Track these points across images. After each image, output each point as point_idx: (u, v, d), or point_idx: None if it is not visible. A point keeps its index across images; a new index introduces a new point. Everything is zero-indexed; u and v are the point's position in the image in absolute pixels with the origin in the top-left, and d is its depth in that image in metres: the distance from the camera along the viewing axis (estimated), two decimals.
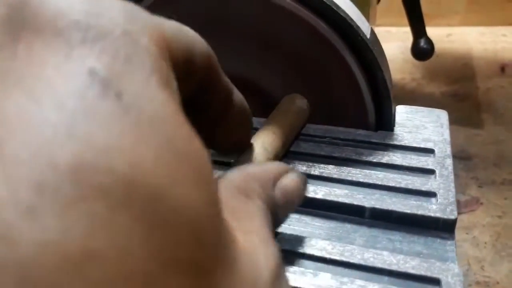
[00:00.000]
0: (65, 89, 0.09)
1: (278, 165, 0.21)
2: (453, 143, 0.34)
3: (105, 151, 0.09)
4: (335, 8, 0.31)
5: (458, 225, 0.27)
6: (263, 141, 0.29)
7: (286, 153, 0.32)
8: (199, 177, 0.10)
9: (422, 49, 0.69)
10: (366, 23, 0.33)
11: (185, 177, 0.10)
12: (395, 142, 0.33)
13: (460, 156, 0.78)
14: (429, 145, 0.33)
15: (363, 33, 0.32)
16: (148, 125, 0.09)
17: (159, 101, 0.10)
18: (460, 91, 0.98)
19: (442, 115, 0.36)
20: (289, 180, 0.21)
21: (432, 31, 0.79)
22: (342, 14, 0.32)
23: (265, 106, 0.34)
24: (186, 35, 0.14)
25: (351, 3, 0.33)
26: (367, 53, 0.32)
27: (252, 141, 0.28)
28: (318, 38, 0.33)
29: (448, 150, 0.32)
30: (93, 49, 0.10)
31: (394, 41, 1.15)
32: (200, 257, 0.10)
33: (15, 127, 0.08)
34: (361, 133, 0.34)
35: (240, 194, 0.17)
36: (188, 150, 0.10)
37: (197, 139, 0.11)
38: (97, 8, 0.10)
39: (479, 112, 0.91)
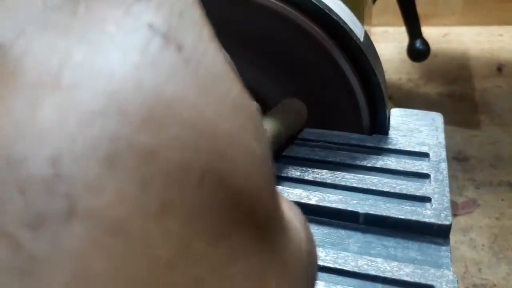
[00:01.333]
0: (128, 43, 0.09)
1: None
2: (450, 144, 0.34)
3: (172, 102, 0.09)
4: (327, 11, 0.31)
5: (455, 227, 0.27)
6: None
7: (279, 152, 0.32)
8: (256, 129, 0.10)
9: (417, 50, 0.69)
10: (360, 26, 0.33)
11: (244, 128, 0.10)
12: (390, 146, 0.33)
13: (457, 158, 0.78)
14: (424, 149, 0.33)
15: (357, 37, 0.32)
16: (207, 77, 0.10)
17: (212, 54, 0.10)
18: (457, 91, 0.98)
19: (437, 118, 0.36)
20: None
21: (428, 31, 0.79)
22: (334, 17, 0.31)
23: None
24: None
25: (344, 6, 0.33)
26: (361, 56, 0.32)
27: None
28: (311, 42, 0.33)
29: (443, 154, 0.32)
30: (150, 6, 0.10)
31: (391, 41, 1.14)
32: (260, 213, 0.10)
33: (85, 77, 0.09)
34: (355, 137, 0.34)
35: None
36: (243, 102, 0.10)
37: (247, 92, 0.11)
38: None
39: (476, 113, 0.91)
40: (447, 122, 0.35)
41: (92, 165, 0.08)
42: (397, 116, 0.36)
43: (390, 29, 1.19)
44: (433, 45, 0.77)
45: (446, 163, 0.31)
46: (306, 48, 0.34)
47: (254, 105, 0.11)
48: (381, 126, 0.35)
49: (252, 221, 0.10)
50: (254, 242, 0.10)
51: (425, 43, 0.70)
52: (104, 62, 0.09)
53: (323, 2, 0.31)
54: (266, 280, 0.10)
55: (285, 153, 0.33)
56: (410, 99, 0.96)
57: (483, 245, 0.62)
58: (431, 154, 0.32)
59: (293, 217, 0.13)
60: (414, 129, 0.35)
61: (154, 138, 0.08)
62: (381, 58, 0.35)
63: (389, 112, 0.36)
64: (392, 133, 0.35)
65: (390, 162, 0.32)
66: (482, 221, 0.66)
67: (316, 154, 0.32)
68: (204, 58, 0.10)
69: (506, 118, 0.89)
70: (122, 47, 0.09)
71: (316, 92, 0.36)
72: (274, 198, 0.11)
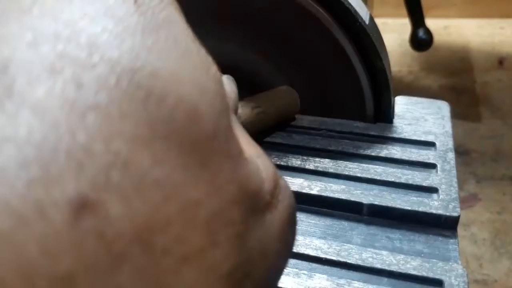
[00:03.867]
0: None
1: None
2: None
3: (118, 38, 0.11)
4: None
5: None
6: None
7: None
8: (207, 68, 0.12)
9: (420, 40, 0.68)
10: (365, 9, 0.31)
11: (193, 67, 0.11)
12: (395, 135, 0.32)
13: (458, 151, 0.77)
14: (430, 138, 0.31)
15: (362, 19, 0.30)
16: (160, 25, 0.12)
17: (169, 11, 0.12)
18: (458, 84, 0.97)
19: (443, 107, 0.35)
20: (227, 86, 0.24)
21: (429, 23, 0.78)
22: None
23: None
24: None
25: None
26: (366, 40, 0.31)
27: None
28: (314, 24, 0.31)
29: (450, 143, 0.31)
30: None
31: (391, 32, 1.13)
32: (209, 146, 0.11)
33: (49, 12, 0.11)
34: (358, 125, 0.33)
35: None
36: (194, 47, 0.12)
37: (200, 43, 0.13)
38: None
39: (476, 106, 0.90)
40: None
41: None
42: (402, 104, 0.35)
43: (389, 20, 1.18)
44: (434, 38, 0.75)
45: (453, 153, 0.30)
46: (308, 30, 0.32)
47: (205, 51, 0.12)
48: (385, 114, 0.34)
49: (188, 136, 0.11)
50: (183, 155, 0.11)
51: (428, 32, 0.69)
52: (68, 5, 0.11)
53: None
54: (184, 191, 0.10)
55: (285, 142, 0.31)
56: (410, 92, 0.94)
57: (484, 239, 0.62)
58: (437, 144, 0.31)
59: (259, 162, 0.14)
60: (420, 117, 0.34)
61: (93, 57, 0.10)
62: None
63: (394, 100, 0.35)
64: (396, 121, 0.33)
65: (395, 151, 0.30)
66: (483, 216, 0.65)
67: (318, 143, 0.31)
68: (161, 12, 0.12)
69: (507, 112, 0.88)
70: None
71: (318, 77, 0.35)
72: (226, 126, 0.12)
